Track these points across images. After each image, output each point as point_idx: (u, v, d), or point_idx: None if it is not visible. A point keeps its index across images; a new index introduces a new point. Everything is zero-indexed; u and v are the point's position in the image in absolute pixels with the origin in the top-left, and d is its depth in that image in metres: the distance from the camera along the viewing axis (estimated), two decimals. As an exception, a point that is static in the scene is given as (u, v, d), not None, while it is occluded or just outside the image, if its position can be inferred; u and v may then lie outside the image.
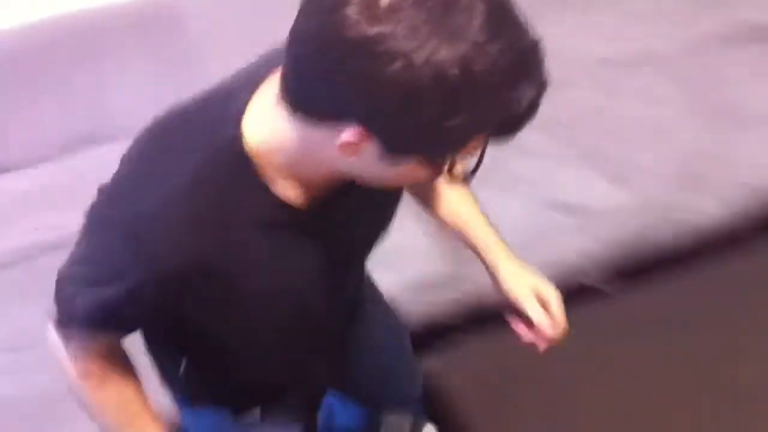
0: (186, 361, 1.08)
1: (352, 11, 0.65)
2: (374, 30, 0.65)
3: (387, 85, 0.66)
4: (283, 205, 0.83)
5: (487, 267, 1.16)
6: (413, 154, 0.74)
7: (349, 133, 0.71)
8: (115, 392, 1.02)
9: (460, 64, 0.66)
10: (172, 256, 0.79)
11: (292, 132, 0.76)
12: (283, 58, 0.74)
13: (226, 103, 0.82)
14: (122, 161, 0.86)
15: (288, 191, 0.83)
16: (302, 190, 0.84)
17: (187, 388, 1.17)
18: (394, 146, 0.73)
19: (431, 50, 0.65)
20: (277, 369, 1.12)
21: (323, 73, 0.70)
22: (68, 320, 0.93)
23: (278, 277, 0.88)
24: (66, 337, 0.96)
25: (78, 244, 0.87)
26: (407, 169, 0.76)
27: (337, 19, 0.66)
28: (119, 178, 0.85)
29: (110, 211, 0.84)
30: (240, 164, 0.80)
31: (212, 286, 0.83)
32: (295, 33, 0.71)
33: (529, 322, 1.11)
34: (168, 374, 1.16)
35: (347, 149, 0.73)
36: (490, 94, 0.69)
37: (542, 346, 1.13)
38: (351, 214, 0.91)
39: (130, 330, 0.97)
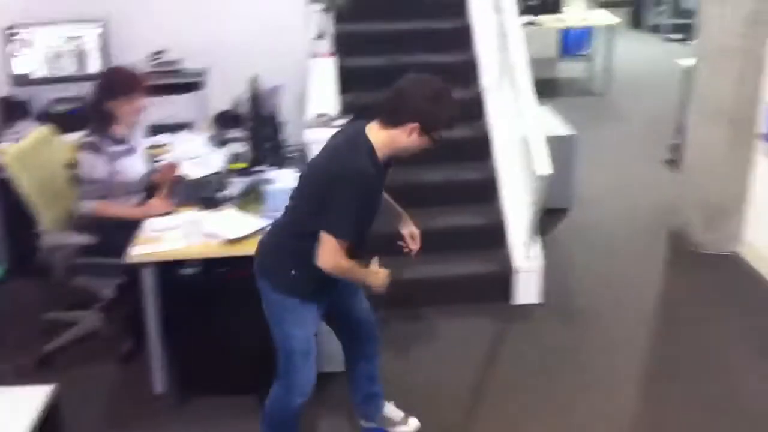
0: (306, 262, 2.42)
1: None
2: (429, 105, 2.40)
3: (430, 113, 2.40)
4: (378, 160, 2.43)
5: (402, 217, 2.79)
6: (430, 132, 2.41)
7: (413, 126, 2.39)
8: (352, 262, 2.45)
9: (446, 104, 2.42)
10: (368, 169, 2.36)
11: (386, 135, 2.42)
12: (387, 106, 2.43)
13: (358, 134, 2.45)
14: (327, 145, 2.54)
15: (379, 158, 2.43)
16: (381, 158, 2.44)
17: (294, 284, 2.52)
18: (426, 129, 2.40)
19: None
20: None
21: (411, 110, 2.39)
22: (342, 239, 2.36)
23: (376, 192, 2.51)
24: (338, 248, 2.38)
25: (331, 203, 2.35)
26: (423, 140, 2.42)
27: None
28: (335, 152, 2.46)
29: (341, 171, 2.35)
30: (371, 149, 2.41)
31: (372, 186, 2.41)
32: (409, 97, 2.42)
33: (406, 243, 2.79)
34: (285, 276, 2.53)
35: (411, 131, 2.40)
36: (448, 112, 2.42)
37: (414, 250, 2.76)
38: (383, 179, 2.52)
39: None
